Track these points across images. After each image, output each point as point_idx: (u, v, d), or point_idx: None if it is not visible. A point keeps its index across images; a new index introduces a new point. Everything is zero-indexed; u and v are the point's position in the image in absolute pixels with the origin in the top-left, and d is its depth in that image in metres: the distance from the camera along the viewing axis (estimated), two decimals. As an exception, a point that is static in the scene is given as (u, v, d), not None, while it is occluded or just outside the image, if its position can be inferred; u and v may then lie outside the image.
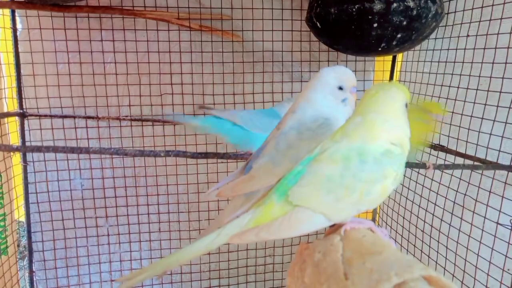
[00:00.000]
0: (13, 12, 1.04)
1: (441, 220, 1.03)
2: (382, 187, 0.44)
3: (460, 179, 0.97)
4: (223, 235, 0.46)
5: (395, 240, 1.21)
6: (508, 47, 0.84)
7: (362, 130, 0.45)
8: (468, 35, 0.96)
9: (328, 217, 0.44)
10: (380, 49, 0.95)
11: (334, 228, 0.50)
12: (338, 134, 0.47)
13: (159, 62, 1.14)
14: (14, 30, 1.05)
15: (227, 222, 0.47)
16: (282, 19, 1.15)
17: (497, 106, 0.86)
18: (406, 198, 1.18)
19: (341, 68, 0.63)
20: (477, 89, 0.92)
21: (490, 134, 0.88)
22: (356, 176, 0.43)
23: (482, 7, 0.91)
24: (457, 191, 0.98)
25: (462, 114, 0.96)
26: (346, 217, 0.46)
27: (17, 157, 1.12)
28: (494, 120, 0.87)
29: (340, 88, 0.62)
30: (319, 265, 0.42)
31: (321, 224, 0.45)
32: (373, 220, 1.36)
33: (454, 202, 0.99)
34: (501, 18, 0.86)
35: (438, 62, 1.06)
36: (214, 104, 1.19)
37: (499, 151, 0.87)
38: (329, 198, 0.43)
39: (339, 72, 0.63)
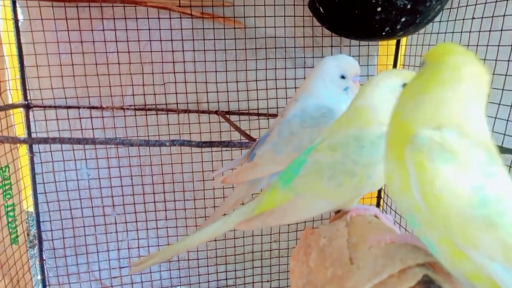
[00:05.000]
0: (14, 3, 1.03)
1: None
2: (381, 169, 0.43)
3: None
4: (229, 221, 0.47)
5: (400, 225, 1.22)
6: (514, 29, 0.83)
7: (356, 118, 0.46)
8: (473, 18, 0.94)
9: (331, 202, 0.45)
10: (384, 33, 0.94)
11: (340, 214, 0.51)
12: (336, 124, 0.49)
13: (161, 51, 1.13)
14: (16, 21, 1.04)
15: (234, 209, 0.49)
16: (284, 4, 1.13)
17: (503, 90, 0.86)
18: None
19: (343, 57, 0.63)
20: (482, 73, 0.91)
21: (495, 117, 0.88)
22: (355, 161, 0.44)
23: (488, -12, 0.90)
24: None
25: (467, 98, 0.95)
26: (349, 201, 0.47)
27: (23, 148, 1.13)
28: (499, 104, 0.86)
29: (342, 77, 0.62)
30: (324, 250, 0.43)
31: (324, 208, 0.46)
32: (378, 205, 1.37)
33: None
34: (507, 0, 0.85)
35: (443, 45, 1.05)
36: (217, 92, 1.19)
37: (504, 134, 0.87)
38: (331, 184, 0.44)
39: (341, 60, 0.63)
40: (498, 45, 0.86)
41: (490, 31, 0.89)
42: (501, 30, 0.85)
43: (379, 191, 1.35)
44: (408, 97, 0.35)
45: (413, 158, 0.31)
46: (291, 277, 0.47)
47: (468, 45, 0.95)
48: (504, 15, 0.85)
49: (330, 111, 0.59)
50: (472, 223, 0.29)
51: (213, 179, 1.24)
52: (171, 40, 1.13)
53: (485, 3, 0.90)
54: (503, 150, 0.83)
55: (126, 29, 1.10)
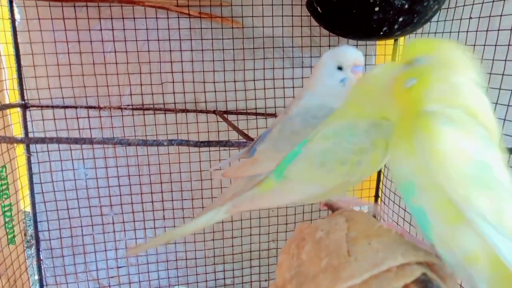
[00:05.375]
0: (11, 2, 1.03)
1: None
2: (372, 156, 0.45)
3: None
4: (222, 211, 0.48)
5: (397, 223, 1.22)
6: (511, 29, 0.83)
7: (350, 111, 0.47)
8: (470, 17, 0.95)
9: (321, 187, 0.46)
10: (381, 33, 0.95)
11: (338, 212, 0.51)
12: (331, 117, 0.50)
13: (159, 51, 1.13)
14: (13, 20, 1.04)
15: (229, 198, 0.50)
16: (282, 4, 1.14)
17: (499, 89, 0.86)
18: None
19: (340, 47, 0.61)
20: (479, 72, 0.91)
21: (492, 117, 0.88)
22: (346, 148, 0.45)
23: (485, -12, 0.90)
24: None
25: (464, 98, 0.95)
26: (338, 187, 0.48)
27: (20, 148, 1.13)
28: (496, 103, 0.87)
29: (339, 68, 0.59)
30: (320, 243, 0.43)
31: (313, 192, 0.47)
32: (376, 197, 1.37)
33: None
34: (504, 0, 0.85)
35: (440, 45, 1.05)
36: (215, 91, 1.18)
37: (502, 134, 0.87)
38: (322, 171, 0.45)
39: (337, 51, 0.60)
40: (495, 45, 0.87)
41: (487, 30, 0.89)
42: (498, 29, 0.86)
43: (378, 184, 1.35)
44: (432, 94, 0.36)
45: (419, 123, 0.34)
46: (277, 270, 0.47)
47: (465, 45, 0.96)
48: (501, 15, 0.86)
49: (332, 111, 0.58)
50: (469, 179, 0.31)
51: (211, 175, 1.24)
52: (169, 39, 1.12)
53: (482, 2, 0.91)
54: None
55: (124, 29, 1.10)
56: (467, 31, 0.95)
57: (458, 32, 0.98)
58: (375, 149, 0.44)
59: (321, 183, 0.46)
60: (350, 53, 0.59)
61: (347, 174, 0.45)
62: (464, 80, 0.36)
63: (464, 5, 0.97)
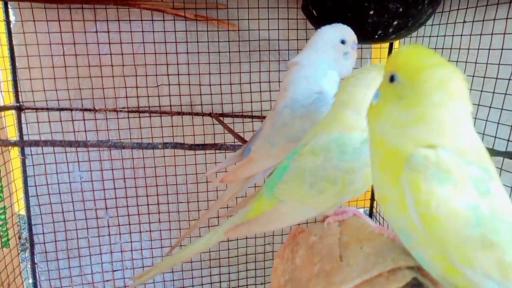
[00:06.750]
0: (5, 4, 1.03)
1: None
2: (365, 175, 0.43)
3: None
4: (219, 232, 0.48)
5: (388, 226, 1.22)
6: (504, 33, 0.84)
7: (337, 122, 0.45)
8: (464, 21, 0.95)
9: (313, 208, 0.45)
10: (376, 36, 0.95)
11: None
12: (319, 126, 0.48)
13: (155, 53, 1.13)
14: (8, 22, 1.03)
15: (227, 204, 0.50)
16: (277, 7, 1.14)
17: (493, 93, 0.86)
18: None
19: (340, 24, 0.64)
20: (473, 76, 0.92)
21: (486, 120, 0.89)
22: (337, 167, 0.43)
23: (478, -8, 0.91)
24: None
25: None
26: (332, 207, 0.47)
27: (15, 151, 1.12)
28: (490, 107, 0.87)
29: (343, 42, 0.62)
30: (313, 247, 0.43)
31: (307, 214, 0.46)
32: (371, 206, 1.37)
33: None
34: (497, 4, 0.86)
35: (435, 48, 1.06)
36: (211, 94, 1.18)
37: (495, 137, 0.87)
38: (313, 191, 0.44)
39: (340, 26, 0.63)
40: (489, 49, 0.87)
41: (481, 34, 0.90)
42: (492, 33, 0.86)
43: (373, 193, 1.35)
44: (392, 122, 0.33)
45: (409, 179, 0.31)
46: (272, 275, 0.46)
47: (459, 48, 0.96)
48: (494, 19, 0.86)
49: (321, 97, 0.57)
50: (469, 243, 0.29)
51: (206, 179, 1.24)
52: (165, 42, 1.12)
53: (476, 6, 0.91)
54: (494, 152, 0.83)
55: (120, 31, 1.10)
56: (461, 35, 0.96)
57: (452, 35, 0.99)
58: (367, 167, 0.41)
59: (313, 204, 0.44)
60: (351, 30, 0.63)
61: (339, 194, 0.43)
62: (449, 113, 0.32)
63: (458, 9, 0.98)
